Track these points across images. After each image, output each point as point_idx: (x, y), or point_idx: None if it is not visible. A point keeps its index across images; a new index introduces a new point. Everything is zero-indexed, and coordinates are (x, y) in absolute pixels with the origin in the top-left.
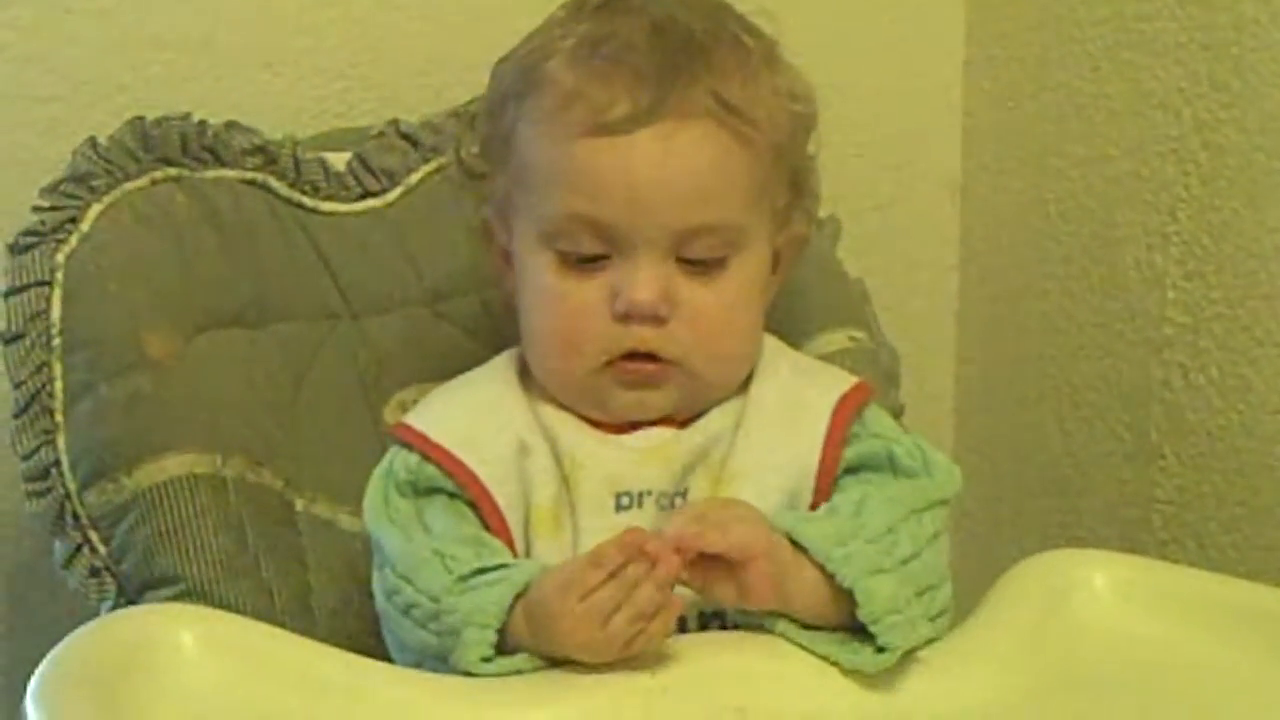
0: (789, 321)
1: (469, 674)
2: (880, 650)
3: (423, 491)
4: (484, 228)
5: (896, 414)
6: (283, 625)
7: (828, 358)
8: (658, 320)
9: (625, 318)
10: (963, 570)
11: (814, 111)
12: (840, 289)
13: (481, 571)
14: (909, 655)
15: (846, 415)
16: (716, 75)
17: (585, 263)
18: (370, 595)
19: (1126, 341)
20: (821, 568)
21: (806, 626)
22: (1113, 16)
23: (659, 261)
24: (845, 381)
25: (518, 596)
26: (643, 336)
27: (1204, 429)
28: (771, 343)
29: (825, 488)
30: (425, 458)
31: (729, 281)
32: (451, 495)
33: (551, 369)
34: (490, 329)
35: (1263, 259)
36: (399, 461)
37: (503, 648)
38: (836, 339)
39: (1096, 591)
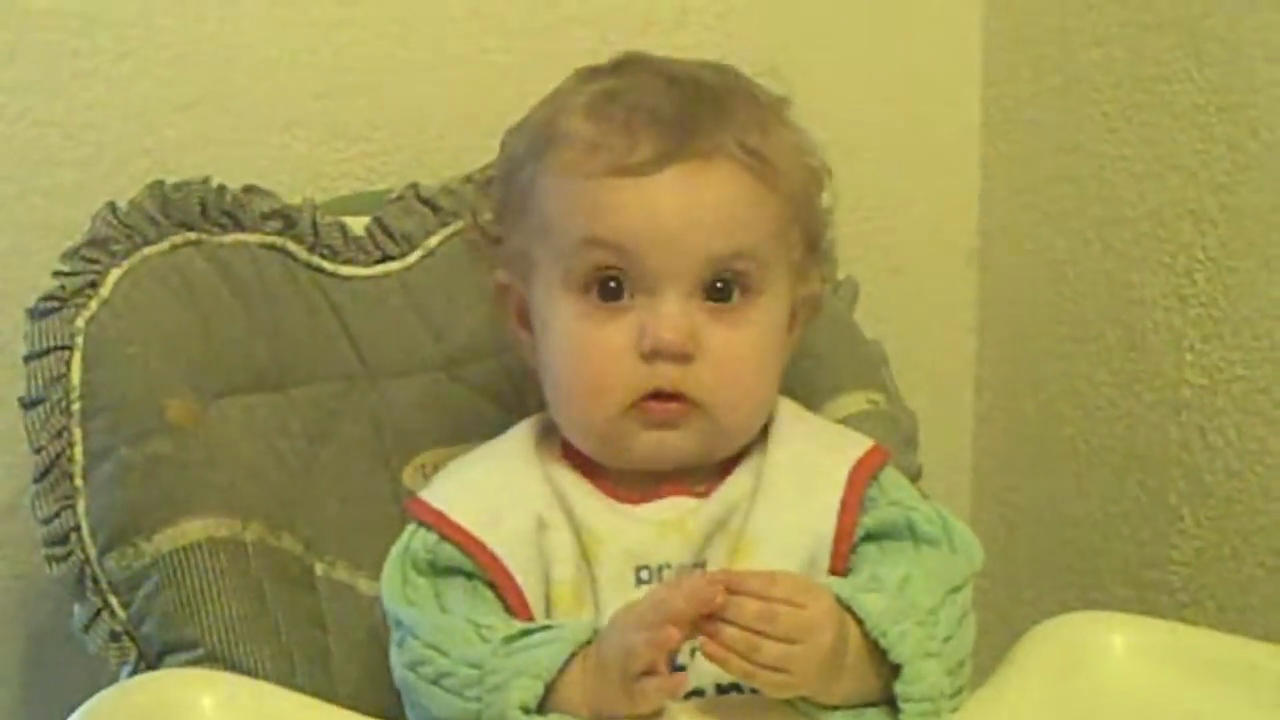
0: (807, 384)
1: None
2: None
3: (441, 571)
4: (499, 292)
5: (914, 477)
6: (302, 690)
7: (846, 420)
8: (685, 358)
9: (653, 355)
10: (981, 632)
11: (825, 169)
12: (858, 351)
13: (527, 633)
14: None
15: (862, 480)
16: (735, 123)
17: (608, 302)
18: None
19: (1144, 403)
20: (872, 641)
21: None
22: (1130, 79)
23: (684, 299)
24: (861, 445)
25: (572, 655)
26: (669, 376)
27: (1222, 491)
28: (787, 406)
29: (843, 553)
30: (443, 537)
31: (752, 324)
32: (470, 575)
33: (577, 416)
34: (509, 392)
35: None
36: (417, 541)
37: (543, 708)
38: (854, 401)
39: (1115, 654)
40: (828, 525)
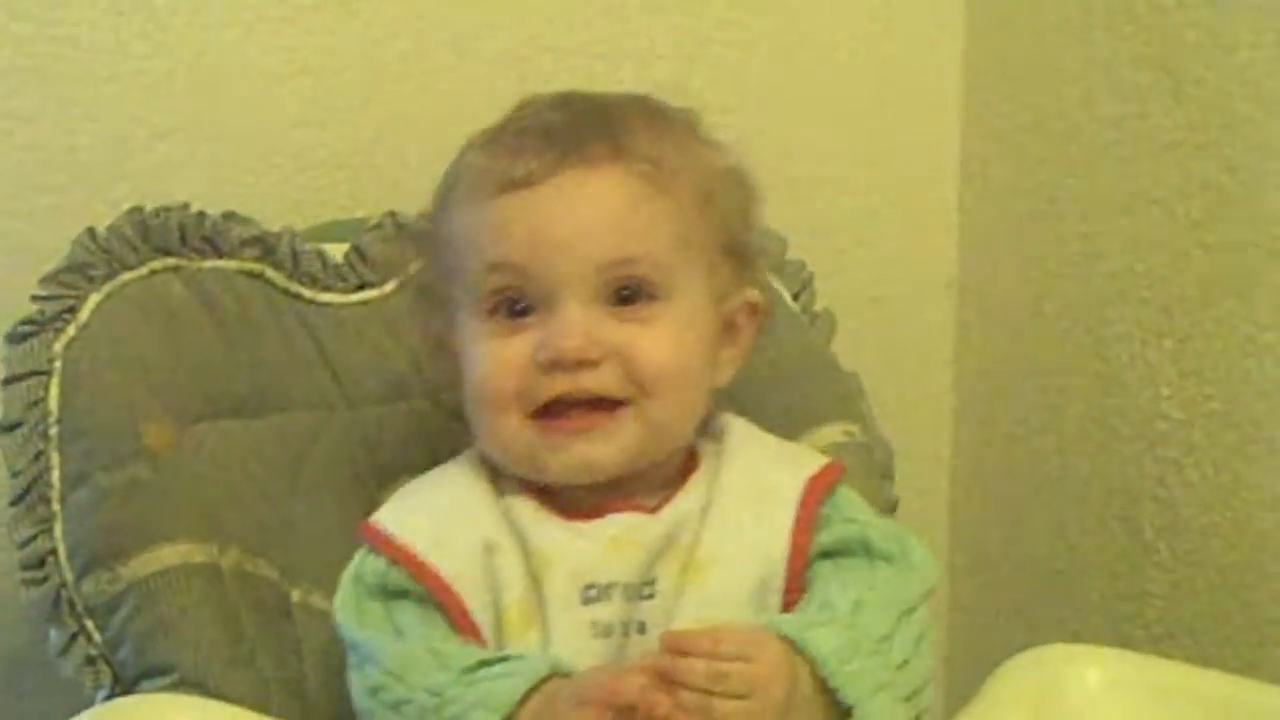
0: (783, 415)
1: None
2: None
3: (392, 594)
4: (437, 344)
5: (890, 509)
6: (277, 715)
7: (822, 452)
8: (587, 364)
9: (551, 366)
10: (956, 664)
11: (746, 181)
12: (835, 383)
13: (486, 664)
14: None
15: (816, 498)
16: (624, 132)
17: (514, 318)
18: None
19: (1120, 438)
20: (822, 679)
21: None
22: (1108, 116)
23: (584, 306)
24: (814, 462)
25: (530, 690)
26: (573, 383)
27: (1197, 525)
28: (740, 425)
29: (798, 572)
30: (392, 561)
31: (663, 324)
32: (420, 599)
33: (487, 435)
34: None
35: (1256, 357)
36: (367, 566)
37: None
38: (831, 433)
39: (1089, 687)
40: (780, 545)
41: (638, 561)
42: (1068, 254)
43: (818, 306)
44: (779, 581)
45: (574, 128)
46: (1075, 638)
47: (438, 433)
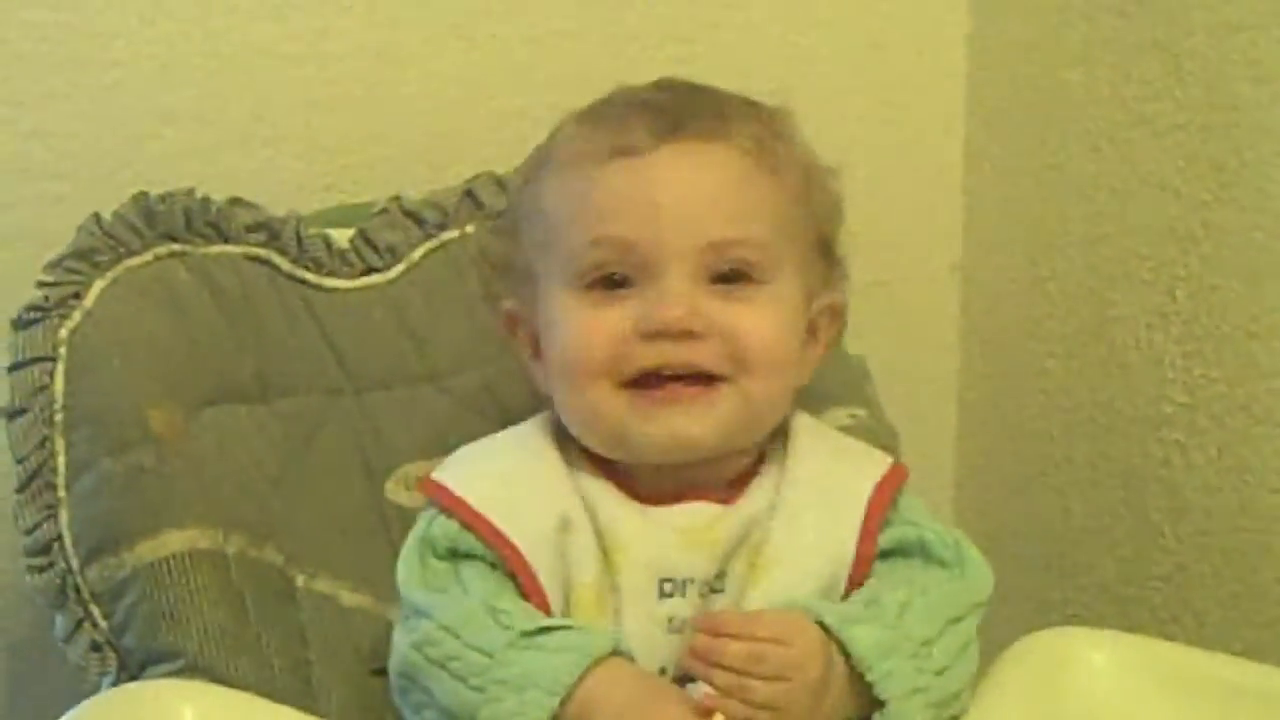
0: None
1: None
2: None
3: (462, 556)
4: (508, 322)
5: None
6: (282, 701)
7: None
8: (690, 335)
9: (656, 335)
10: None
11: (835, 178)
12: (841, 367)
13: (547, 630)
14: None
15: (883, 503)
16: (732, 111)
17: (610, 291)
18: (372, 670)
19: (1125, 420)
20: (858, 674)
21: None
22: (1113, 98)
23: (688, 280)
24: (881, 465)
25: (588, 669)
26: (675, 352)
27: (1202, 508)
28: (807, 420)
29: (860, 578)
30: (465, 526)
31: (763, 306)
32: (492, 564)
33: (578, 406)
34: (491, 404)
35: (1261, 338)
36: (437, 527)
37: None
38: (837, 417)
39: (1095, 670)
40: (848, 549)
41: (713, 556)
42: (1072, 237)
43: None
44: (843, 584)
45: (680, 103)
46: (1081, 621)
47: (444, 418)
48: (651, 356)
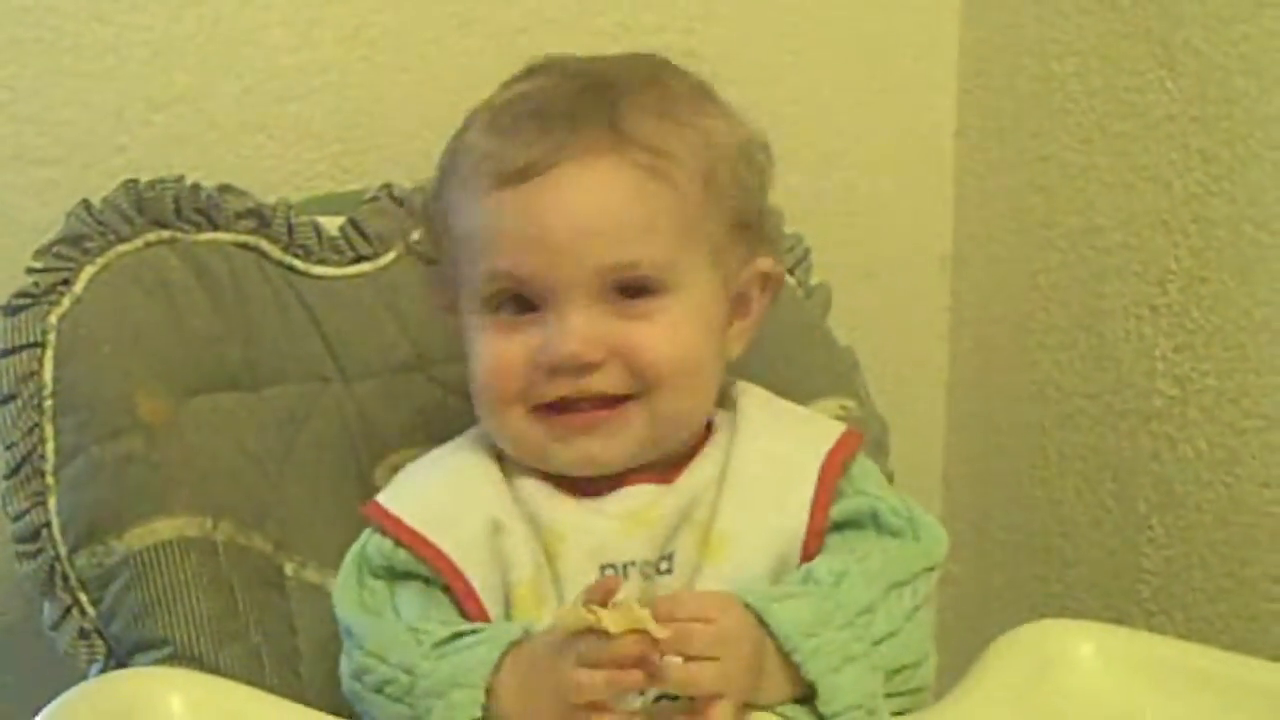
0: (779, 389)
1: None
2: None
3: (398, 575)
4: (446, 308)
5: None
6: (271, 689)
7: None
8: (590, 367)
9: (553, 371)
10: (950, 639)
11: (760, 148)
12: (830, 357)
13: (458, 636)
14: None
15: (833, 474)
16: (624, 113)
17: (520, 315)
18: None
19: (1115, 412)
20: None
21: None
22: (1104, 89)
23: (587, 307)
24: (831, 433)
25: (503, 656)
26: (575, 385)
27: (1191, 501)
28: (754, 392)
29: (814, 550)
30: (398, 542)
31: (666, 319)
32: (426, 580)
33: (493, 430)
34: None
35: (1251, 332)
36: (372, 546)
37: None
38: (827, 407)
39: (1083, 662)
40: (799, 523)
41: (654, 537)
42: (1062, 228)
43: (813, 280)
44: (796, 559)
45: (572, 108)
46: (1069, 613)
47: (433, 406)
48: (557, 389)
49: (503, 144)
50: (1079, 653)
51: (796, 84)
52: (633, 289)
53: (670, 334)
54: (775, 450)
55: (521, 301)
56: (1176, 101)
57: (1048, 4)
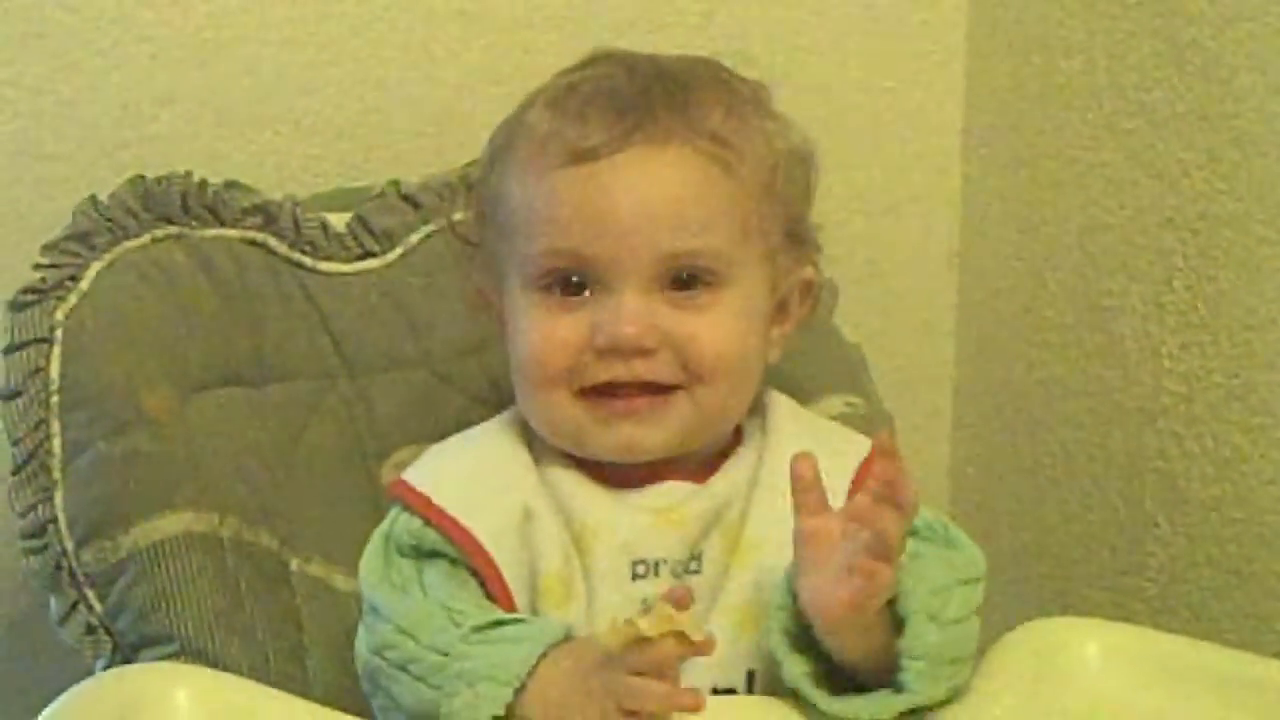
0: (786, 386)
1: None
2: (898, 691)
3: (425, 554)
4: (479, 295)
5: None
6: (277, 685)
7: None
8: (642, 352)
9: (608, 352)
10: None
11: (810, 157)
12: (837, 354)
13: (500, 624)
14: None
15: (864, 484)
16: (695, 105)
17: (569, 297)
18: None
19: (1122, 410)
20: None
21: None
22: (1111, 87)
23: (643, 293)
24: (863, 447)
25: (541, 657)
26: (628, 368)
27: (1197, 499)
28: (783, 401)
29: None
30: (428, 522)
31: (720, 313)
32: (454, 561)
33: (535, 410)
34: (488, 389)
35: (1258, 330)
36: (401, 524)
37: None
38: (833, 404)
39: (1089, 659)
40: None
41: (686, 536)
42: (1070, 226)
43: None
44: None
45: (644, 95)
46: (1075, 611)
47: (438, 403)
48: (605, 371)
49: (571, 125)
50: (1085, 650)
51: (804, 82)
52: (689, 281)
53: (722, 328)
54: None
55: (572, 284)
56: (1183, 99)
57: (1055, 2)
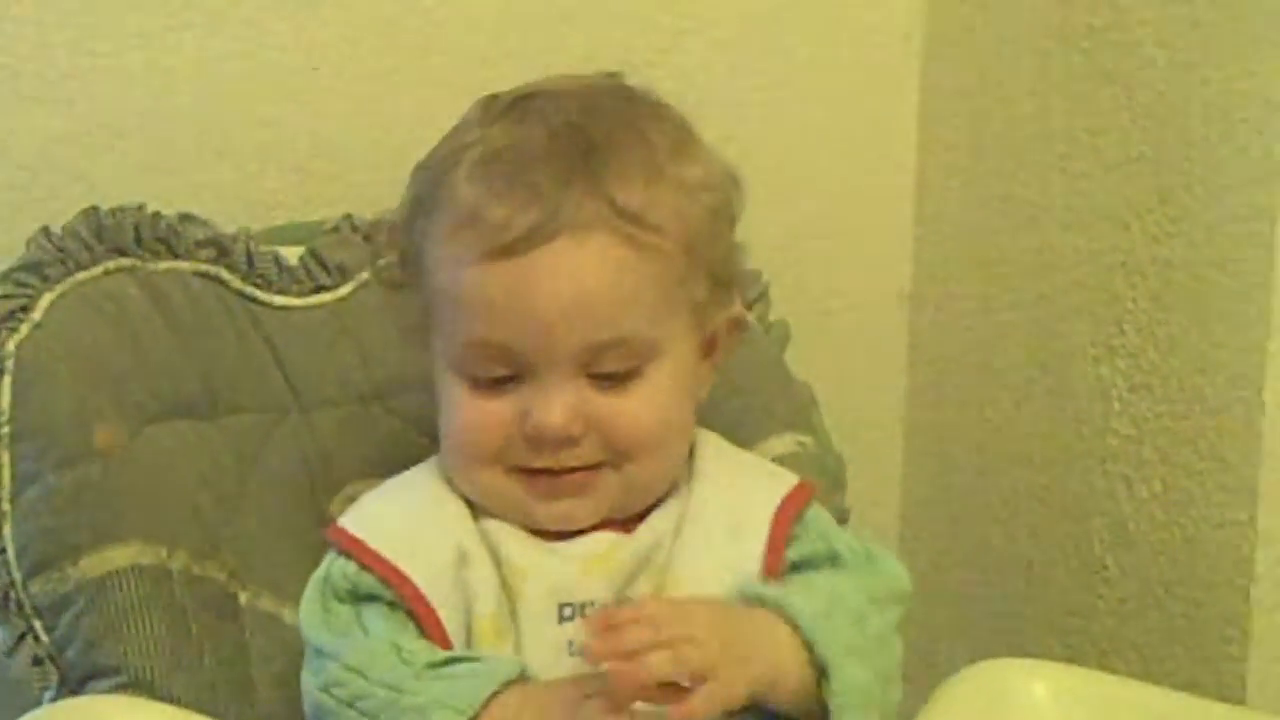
0: (736, 425)
1: None
2: None
3: (361, 598)
4: (405, 335)
5: (841, 520)
6: (224, 718)
7: (775, 462)
8: (570, 441)
9: (536, 441)
10: (905, 676)
11: (731, 197)
12: (787, 393)
13: (454, 661)
14: None
15: (787, 520)
16: (615, 181)
17: (496, 383)
18: None
19: (1071, 452)
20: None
21: None
22: (1064, 130)
23: (568, 380)
24: (786, 483)
25: (493, 695)
26: (556, 458)
27: (1146, 541)
28: (711, 440)
29: None
30: (363, 566)
31: (645, 389)
32: (391, 604)
33: (467, 483)
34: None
35: (1208, 374)
36: (336, 569)
37: None
38: (783, 443)
39: (1037, 701)
40: (753, 566)
41: (613, 581)
42: (1021, 267)
43: (771, 317)
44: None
45: (563, 182)
46: (1023, 652)
47: (391, 438)
48: (536, 459)
49: (491, 206)
50: (1033, 692)
51: (758, 119)
52: (610, 369)
53: (650, 405)
54: (730, 498)
55: (495, 369)
56: (1136, 144)
57: (1009, 43)
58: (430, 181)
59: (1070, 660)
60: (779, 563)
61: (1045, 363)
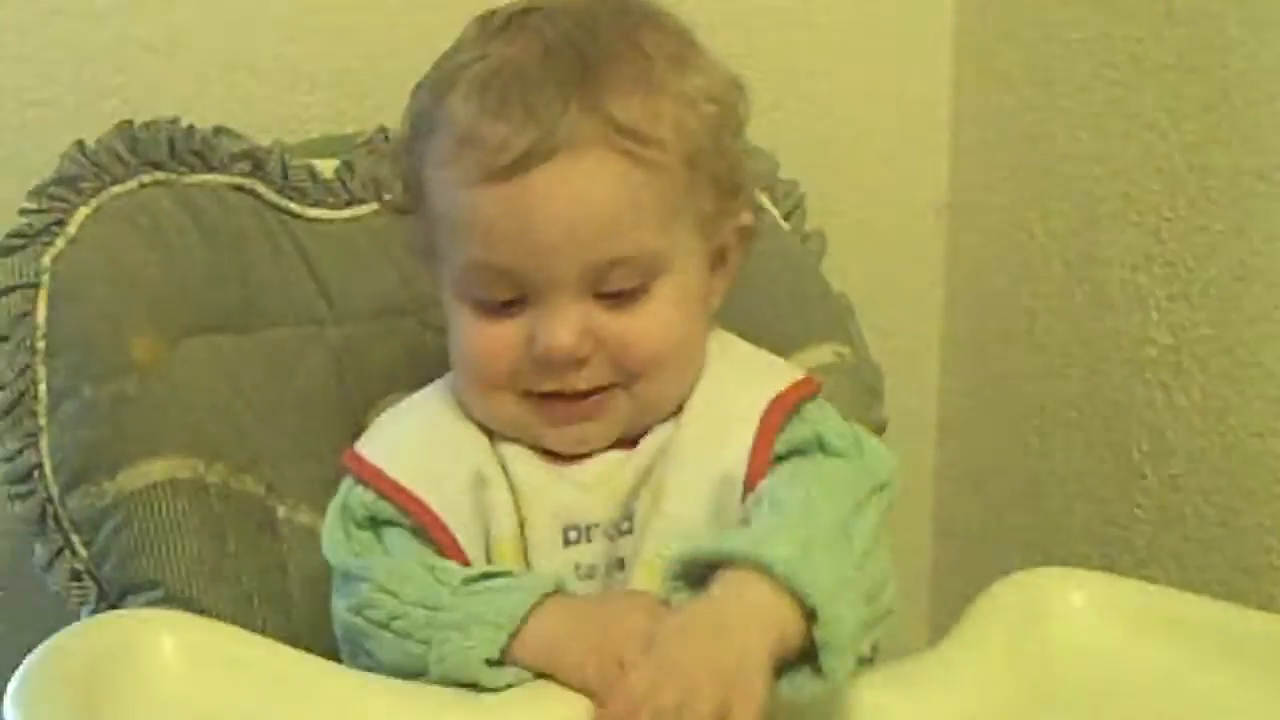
0: (772, 336)
1: (458, 679)
2: (818, 673)
3: (381, 524)
4: (423, 255)
5: (879, 430)
6: (262, 632)
7: (811, 372)
8: (579, 363)
9: (544, 364)
10: (942, 587)
11: (736, 106)
12: (824, 304)
13: (489, 575)
14: (859, 671)
15: (777, 417)
16: (611, 96)
17: (502, 307)
18: None
19: (1109, 361)
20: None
21: None
22: (1100, 37)
23: (574, 301)
24: (782, 378)
25: (535, 604)
26: (566, 380)
27: (1184, 450)
28: (719, 340)
29: (753, 489)
30: (381, 495)
31: (654, 306)
32: (412, 530)
33: (480, 409)
34: None
35: (1246, 281)
36: (354, 498)
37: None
38: (820, 354)
39: (1075, 610)
40: (739, 468)
41: (615, 499)
42: (1059, 177)
43: (808, 227)
44: (734, 508)
45: (559, 99)
46: (1061, 562)
47: (426, 350)
48: (546, 383)
49: (487, 127)
50: (1071, 601)
51: (793, 32)
52: (616, 286)
53: (659, 323)
54: (721, 397)
55: (498, 292)
56: (1174, 51)
57: None
58: (428, 102)
59: (1108, 569)
60: (764, 466)
61: (1082, 272)
